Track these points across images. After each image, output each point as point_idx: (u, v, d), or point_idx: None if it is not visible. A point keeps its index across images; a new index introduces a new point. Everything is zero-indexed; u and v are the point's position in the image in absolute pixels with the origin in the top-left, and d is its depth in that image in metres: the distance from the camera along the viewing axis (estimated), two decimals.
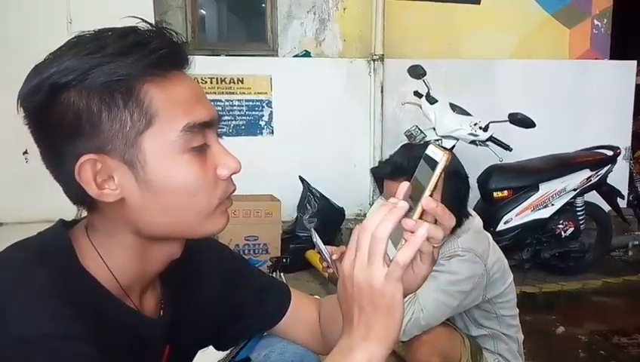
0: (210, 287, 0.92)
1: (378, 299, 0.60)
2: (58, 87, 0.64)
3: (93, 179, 0.66)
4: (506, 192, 3.41)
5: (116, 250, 0.72)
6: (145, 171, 0.67)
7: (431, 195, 0.60)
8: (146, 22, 0.69)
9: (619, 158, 3.62)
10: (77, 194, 0.69)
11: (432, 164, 0.61)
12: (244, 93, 4.06)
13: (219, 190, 0.72)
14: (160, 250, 0.75)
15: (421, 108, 3.40)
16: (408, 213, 0.62)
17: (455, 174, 1.65)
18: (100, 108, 0.64)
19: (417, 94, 3.48)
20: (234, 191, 0.76)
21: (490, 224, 3.27)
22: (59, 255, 0.69)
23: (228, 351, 0.99)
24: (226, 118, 4.05)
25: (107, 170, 0.66)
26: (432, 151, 0.63)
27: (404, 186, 0.67)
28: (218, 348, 1.03)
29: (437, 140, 3.25)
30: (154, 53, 0.65)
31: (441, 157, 0.59)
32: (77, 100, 0.64)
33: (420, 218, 0.61)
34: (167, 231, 0.72)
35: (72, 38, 0.68)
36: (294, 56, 4.29)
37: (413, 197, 0.63)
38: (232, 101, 4.05)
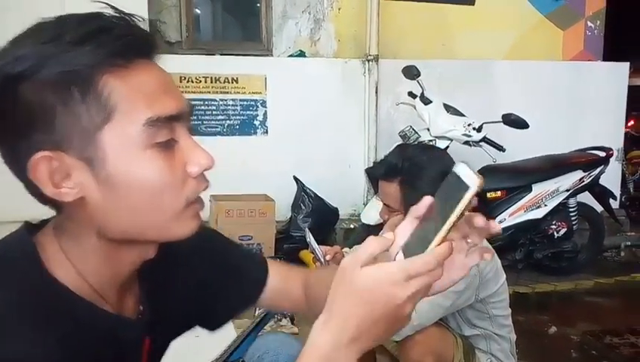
0: (187, 274, 0.88)
1: (396, 311, 0.58)
2: (10, 78, 0.58)
3: (49, 177, 0.61)
4: (499, 193, 3.42)
5: (85, 252, 0.67)
6: (105, 169, 0.62)
7: (456, 222, 0.57)
8: (111, 6, 0.64)
9: (611, 159, 3.65)
10: (37, 193, 0.64)
11: (462, 187, 0.56)
12: (238, 92, 4.06)
13: (187, 189, 0.66)
14: (130, 252, 0.70)
15: (415, 108, 3.41)
16: (431, 230, 0.58)
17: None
18: (55, 101, 0.59)
19: (412, 95, 3.48)
20: (206, 188, 0.69)
21: None
22: (23, 263, 0.64)
23: (221, 352, 0.98)
24: (220, 117, 4.05)
25: (64, 168, 0.61)
26: (463, 172, 0.57)
27: (427, 201, 0.62)
28: (208, 329, 0.98)
29: (431, 141, 3.26)
30: (115, 41, 0.60)
31: (473, 183, 0.55)
32: (30, 93, 0.59)
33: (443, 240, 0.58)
34: (132, 233, 0.66)
35: (33, 24, 0.63)
36: (289, 56, 4.29)
37: (436, 217, 0.59)
38: (226, 100, 4.04)
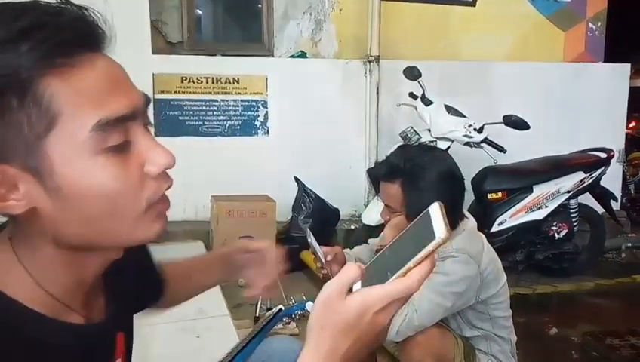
0: (130, 264, 0.82)
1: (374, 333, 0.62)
2: None
3: None
4: (500, 194, 3.42)
5: (44, 262, 0.62)
6: (52, 179, 0.56)
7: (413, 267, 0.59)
8: None
9: (612, 161, 3.64)
10: None
11: (429, 234, 0.56)
12: (239, 93, 4.06)
13: (147, 191, 0.61)
14: (93, 258, 0.66)
15: (416, 109, 3.41)
16: (390, 265, 0.61)
17: (450, 176, 1.66)
18: None
19: (413, 95, 3.49)
20: (169, 187, 0.64)
21: (484, 225, 3.28)
22: None
23: (224, 355, 0.97)
24: (221, 118, 4.05)
25: (9, 180, 0.56)
26: (435, 218, 0.57)
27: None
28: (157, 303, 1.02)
29: (432, 141, 3.26)
30: (53, 37, 0.53)
31: (440, 235, 0.56)
32: None
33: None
34: (90, 242, 0.62)
35: None
36: (290, 57, 4.29)
37: (398, 253, 0.62)
38: (227, 101, 4.04)
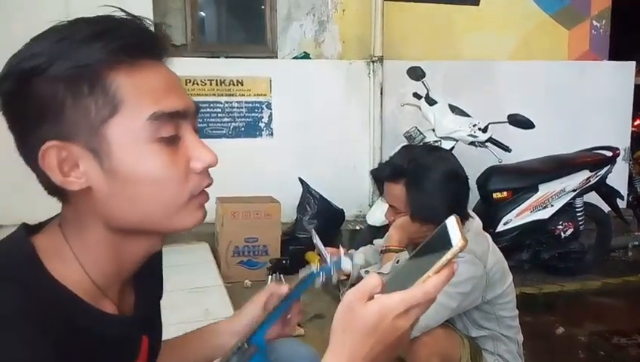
0: (158, 280, 0.93)
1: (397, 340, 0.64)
2: (25, 73, 0.63)
3: (57, 166, 0.64)
4: (505, 193, 3.41)
5: (90, 245, 0.69)
6: (110, 160, 0.64)
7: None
8: (123, 10, 0.67)
9: (618, 159, 3.62)
10: (47, 183, 0.67)
11: (447, 243, 0.60)
12: (243, 95, 4.07)
13: (190, 183, 0.69)
14: (135, 244, 0.72)
15: (420, 109, 3.40)
16: (411, 274, 0.63)
17: (454, 175, 1.66)
18: (65, 95, 0.63)
19: (417, 95, 3.48)
20: (209, 185, 0.72)
21: (489, 225, 3.27)
22: (21, 265, 0.65)
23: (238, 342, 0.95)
24: (226, 119, 4.05)
25: (73, 158, 0.64)
26: (452, 229, 0.61)
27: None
28: None
29: (436, 141, 3.26)
30: (122, 39, 0.63)
31: (457, 243, 0.59)
32: (42, 87, 0.63)
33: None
34: (136, 224, 0.68)
35: (50, 26, 0.67)
36: (293, 58, 4.29)
37: (419, 263, 0.64)
38: (231, 103, 4.05)
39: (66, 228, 0.70)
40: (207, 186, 0.72)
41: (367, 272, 1.81)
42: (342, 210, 3.87)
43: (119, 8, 0.67)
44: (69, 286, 0.66)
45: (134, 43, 0.65)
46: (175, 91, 0.69)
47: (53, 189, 0.68)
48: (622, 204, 4.08)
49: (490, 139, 3.25)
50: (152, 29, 0.69)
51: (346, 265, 1.13)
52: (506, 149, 3.25)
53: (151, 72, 0.67)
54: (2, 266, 0.64)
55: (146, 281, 0.83)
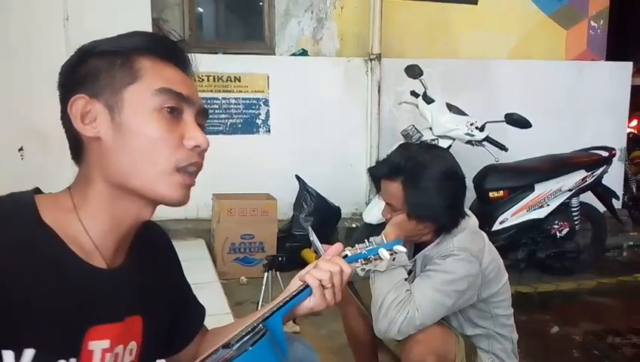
0: (166, 269, 1.00)
1: None
2: (85, 49, 0.83)
3: (80, 114, 0.80)
4: (501, 192, 3.42)
5: (90, 197, 0.81)
6: (120, 116, 0.80)
7: None
8: (159, 27, 0.85)
9: (614, 159, 3.64)
10: (69, 133, 0.83)
11: None
12: (241, 91, 4.06)
13: (180, 153, 0.81)
14: (127, 204, 0.83)
15: (418, 107, 3.40)
16: None
17: (451, 174, 1.66)
18: (103, 65, 0.81)
19: (414, 94, 3.48)
20: (197, 164, 0.84)
21: (485, 224, 3.28)
22: (17, 207, 0.77)
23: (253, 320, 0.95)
24: (223, 116, 4.05)
25: (94, 113, 0.80)
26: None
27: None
28: (168, 351, 1.02)
29: (433, 140, 3.26)
30: (158, 42, 0.85)
31: None
32: (92, 59, 0.82)
33: None
34: (129, 177, 0.80)
35: None
36: (291, 55, 4.29)
37: None
38: (228, 99, 4.04)
39: (74, 186, 0.84)
40: (194, 165, 0.83)
41: (362, 270, 1.81)
42: (338, 207, 3.87)
43: (158, 26, 0.86)
44: (60, 233, 0.77)
45: (163, 44, 0.85)
46: (186, 85, 0.85)
47: (73, 141, 0.84)
48: (617, 204, 4.10)
49: (487, 138, 3.25)
50: (178, 42, 0.89)
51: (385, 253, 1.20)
52: (503, 148, 3.25)
53: (170, 68, 0.84)
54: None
55: (146, 259, 0.92)
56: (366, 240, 1.22)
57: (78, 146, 0.84)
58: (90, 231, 0.81)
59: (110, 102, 0.80)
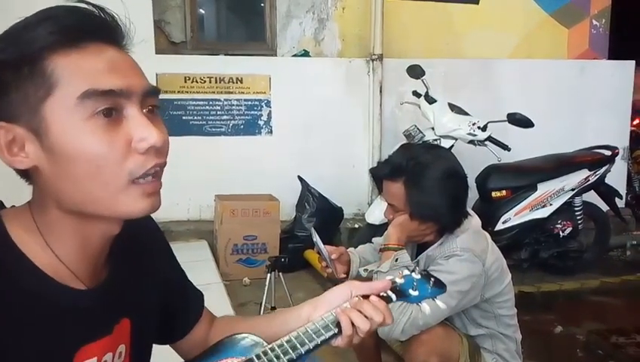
0: (154, 265, 0.92)
1: None
2: None
3: (5, 146, 0.67)
4: (504, 192, 3.41)
5: (51, 223, 0.71)
6: (48, 139, 0.66)
7: None
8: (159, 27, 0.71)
9: (617, 158, 3.62)
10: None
11: None
12: (242, 92, 4.06)
13: (131, 162, 0.68)
14: (94, 226, 0.73)
15: (420, 107, 3.40)
16: None
17: (453, 174, 1.66)
18: (10, 79, 0.66)
19: (416, 94, 3.48)
20: (157, 166, 0.71)
21: (488, 224, 3.27)
22: None
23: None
24: (225, 117, 4.05)
25: (20, 139, 0.67)
26: None
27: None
28: (165, 339, 1.00)
29: (435, 140, 3.26)
30: (61, 23, 0.66)
31: None
32: None
33: None
34: (82, 206, 0.69)
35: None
36: (293, 56, 4.29)
37: None
38: (230, 100, 4.05)
39: (33, 209, 0.73)
40: (154, 168, 0.70)
41: (365, 271, 1.81)
42: (341, 208, 3.87)
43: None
44: (31, 257, 0.69)
45: (74, 26, 0.67)
46: (118, 72, 0.68)
47: (16, 170, 0.71)
48: (620, 203, 4.08)
49: (490, 138, 3.25)
50: (92, 10, 0.70)
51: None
52: (505, 148, 3.25)
53: (90, 54, 0.67)
54: None
55: (129, 262, 0.84)
56: (412, 273, 1.02)
57: (21, 173, 0.72)
58: (60, 256, 0.72)
59: (32, 124, 0.66)
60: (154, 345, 0.94)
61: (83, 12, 0.69)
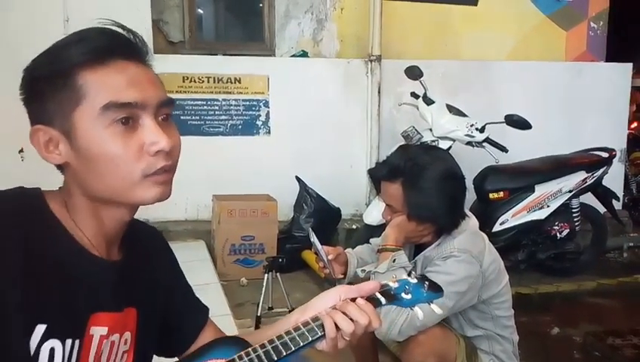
0: (160, 269, 1.00)
1: None
2: (26, 74, 0.82)
3: (43, 144, 0.81)
4: (501, 193, 3.42)
5: (76, 207, 0.85)
6: (76, 141, 0.80)
7: None
8: (111, 20, 0.83)
9: (614, 160, 3.64)
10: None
11: None
12: (241, 92, 4.06)
13: (142, 163, 0.81)
14: (110, 212, 0.86)
15: (418, 109, 3.41)
16: None
17: (451, 175, 1.66)
18: (46, 90, 0.80)
19: (414, 95, 3.48)
20: (168, 166, 0.83)
21: (486, 225, 3.28)
22: (31, 200, 0.82)
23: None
24: (223, 117, 4.05)
25: (55, 139, 0.81)
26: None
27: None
28: (174, 350, 1.03)
29: (433, 141, 3.26)
30: (92, 44, 0.80)
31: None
32: (35, 84, 0.81)
33: None
34: (104, 194, 0.83)
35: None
36: (291, 56, 4.29)
37: None
38: (229, 101, 4.04)
39: (63, 192, 0.86)
40: (164, 167, 0.82)
41: (363, 271, 1.81)
42: (338, 208, 3.88)
43: (109, 20, 0.84)
44: (65, 226, 0.82)
45: (103, 47, 0.80)
46: (135, 85, 0.81)
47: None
48: (617, 205, 4.10)
49: (487, 140, 3.26)
50: (119, 32, 0.83)
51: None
52: (503, 149, 3.25)
53: (114, 70, 0.80)
54: (10, 194, 0.82)
55: (140, 257, 0.95)
56: (408, 277, 1.01)
57: (56, 166, 0.86)
58: (83, 230, 0.85)
59: (64, 128, 0.80)
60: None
61: (112, 33, 0.82)
